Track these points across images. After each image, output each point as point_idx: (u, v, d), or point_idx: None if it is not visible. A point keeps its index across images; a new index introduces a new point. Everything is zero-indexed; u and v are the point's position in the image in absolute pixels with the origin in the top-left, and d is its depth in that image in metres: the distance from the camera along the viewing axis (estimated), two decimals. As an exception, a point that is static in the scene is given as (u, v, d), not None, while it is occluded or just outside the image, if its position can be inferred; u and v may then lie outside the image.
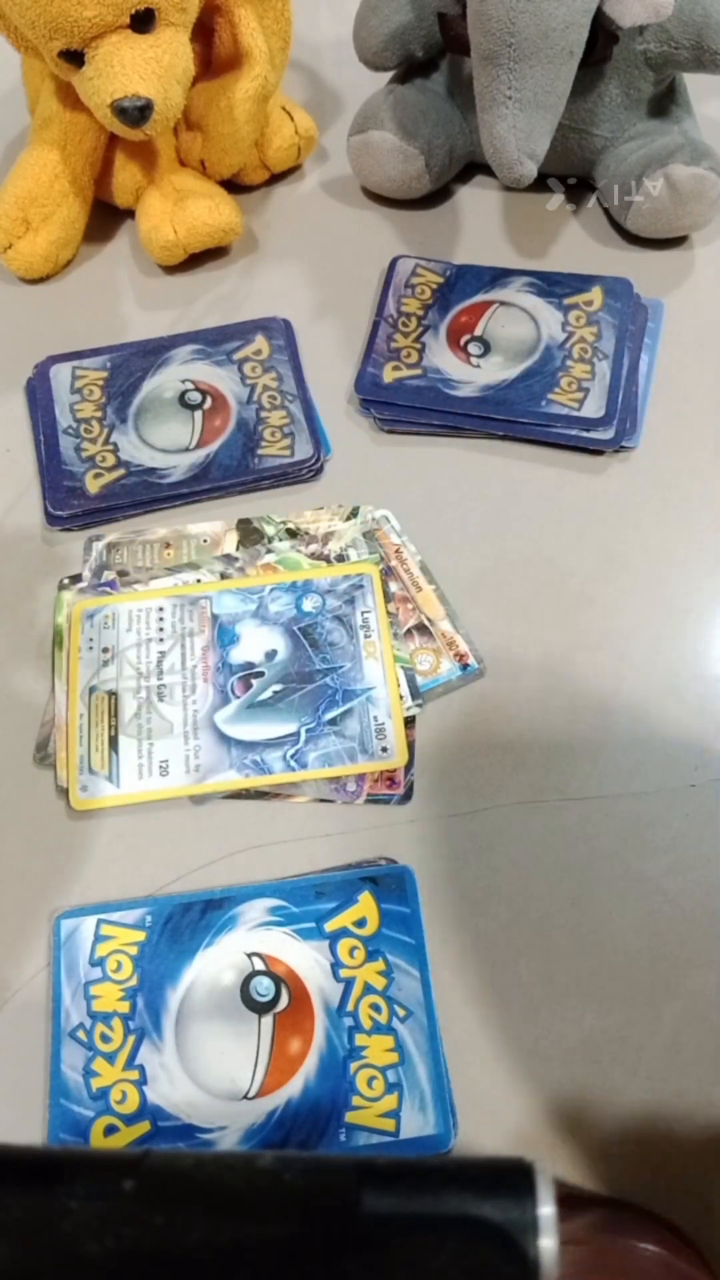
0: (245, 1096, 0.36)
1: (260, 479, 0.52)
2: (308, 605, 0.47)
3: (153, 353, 0.57)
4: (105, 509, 0.51)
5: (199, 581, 0.48)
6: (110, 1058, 0.37)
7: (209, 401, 0.55)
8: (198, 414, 0.54)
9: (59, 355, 0.57)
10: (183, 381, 0.56)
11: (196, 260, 0.61)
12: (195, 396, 0.55)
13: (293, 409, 0.54)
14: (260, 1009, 0.38)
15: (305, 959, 0.39)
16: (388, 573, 0.48)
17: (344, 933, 0.39)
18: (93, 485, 0.51)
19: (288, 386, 0.55)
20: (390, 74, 0.63)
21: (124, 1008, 0.38)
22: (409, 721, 0.44)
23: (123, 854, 0.42)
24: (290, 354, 0.56)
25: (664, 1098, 0.36)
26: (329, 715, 0.44)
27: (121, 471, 0.52)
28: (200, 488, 0.51)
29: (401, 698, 0.44)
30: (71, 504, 0.51)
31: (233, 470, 0.52)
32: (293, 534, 0.50)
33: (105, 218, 0.63)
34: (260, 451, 0.52)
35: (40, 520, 0.51)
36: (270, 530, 0.50)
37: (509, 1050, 0.38)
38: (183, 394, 0.55)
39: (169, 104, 0.52)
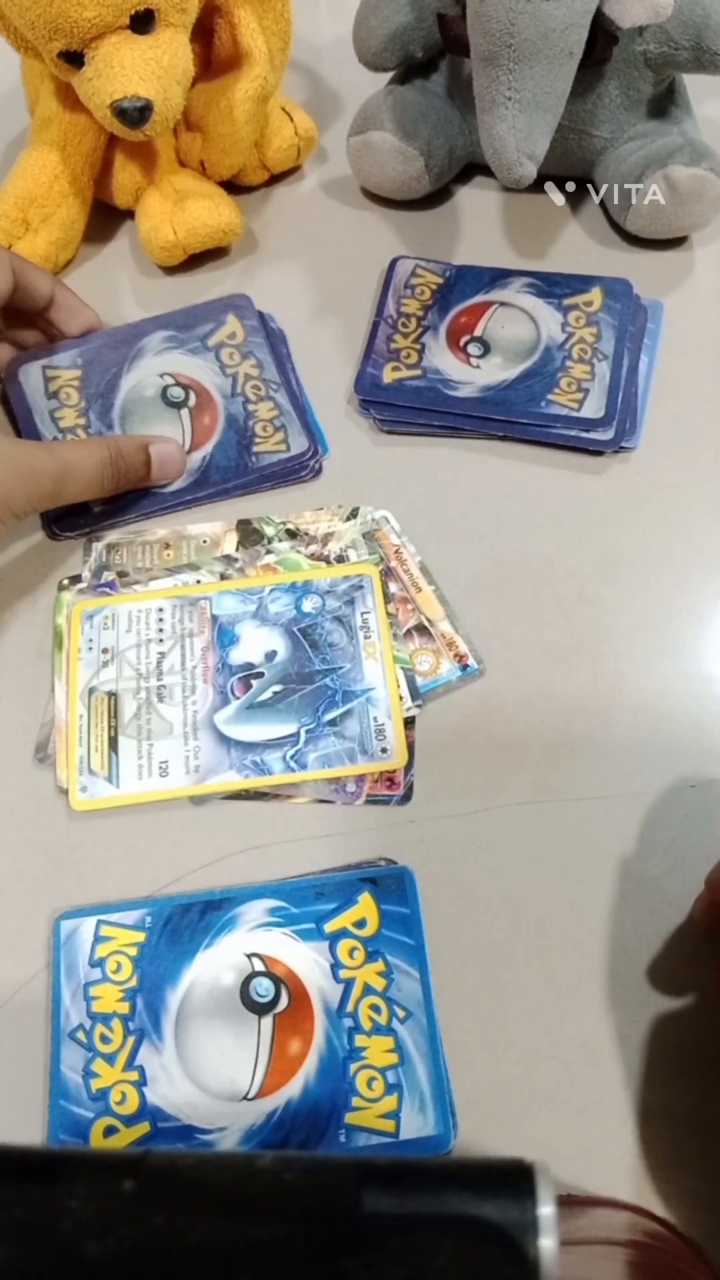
0: (245, 1097, 0.36)
1: (260, 479, 0.51)
2: (307, 606, 0.47)
3: (124, 343, 0.56)
4: (105, 518, 0.50)
5: (199, 582, 0.48)
6: (110, 1059, 0.37)
7: (193, 398, 0.54)
8: (184, 413, 0.53)
9: (25, 354, 0.55)
10: (161, 376, 0.54)
11: (196, 261, 0.61)
12: (178, 393, 0.54)
13: (279, 399, 0.53)
14: (260, 1010, 0.38)
15: (305, 960, 0.39)
16: (387, 573, 0.48)
17: (344, 933, 0.39)
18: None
19: (269, 374, 0.54)
20: (390, 74, 0.63)
21: (124, 1009, 0.38)
22: (409, 722, 0.44)
23: (123, 854, 0.42)
24: (265, 335, 0.55)
25: (664, 1098, 0.36)
26: (329, 716, 0.44)
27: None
28: (201, 494, 0.51)
29: (401, 698, 0.44)
30: (71, 520, 0.50)
31: (231, 471, 0.52)
32: (292, 534, 0.50)
33: (105, 218, 0.63)
34: (255, 449, 0.52)
35: (39, 521, 0.51)
36: (270, 531, 0.50)
37: (509, 1050, 0.38)
38: (164, 390, 0.54)
39: (169, 104, 0.52)
